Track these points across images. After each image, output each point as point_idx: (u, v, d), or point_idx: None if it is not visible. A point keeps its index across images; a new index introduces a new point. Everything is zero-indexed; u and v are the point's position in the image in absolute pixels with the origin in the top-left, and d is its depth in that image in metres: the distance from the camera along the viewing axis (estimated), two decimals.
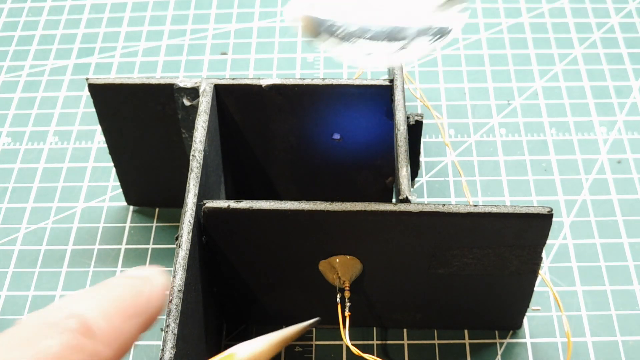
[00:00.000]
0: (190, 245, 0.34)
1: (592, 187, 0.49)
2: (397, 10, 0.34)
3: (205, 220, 0.36)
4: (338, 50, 0.34)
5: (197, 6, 0.61)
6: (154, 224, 0.48)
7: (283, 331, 0.32)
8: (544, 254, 0.45)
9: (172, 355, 0.31)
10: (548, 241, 0.46)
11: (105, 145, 0.45)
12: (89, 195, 0.50)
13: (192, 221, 0.35)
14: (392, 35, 0.34)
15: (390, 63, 0.35)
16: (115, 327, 0.24)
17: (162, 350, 0.32)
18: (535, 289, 0.40)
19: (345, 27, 0.34)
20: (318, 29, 0.34)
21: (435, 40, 0.34)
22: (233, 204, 0.35)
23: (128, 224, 0.48)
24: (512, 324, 0.42)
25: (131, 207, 0.49)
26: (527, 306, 0.41)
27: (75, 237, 0.48)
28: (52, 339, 0.23)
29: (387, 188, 0.45)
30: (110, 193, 0.50)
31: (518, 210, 0.35)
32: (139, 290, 0.26)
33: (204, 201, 0.36)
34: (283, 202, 0.35)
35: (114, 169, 0.47)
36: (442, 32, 0.34)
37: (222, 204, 0.35)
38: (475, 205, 0.35)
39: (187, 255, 0.34)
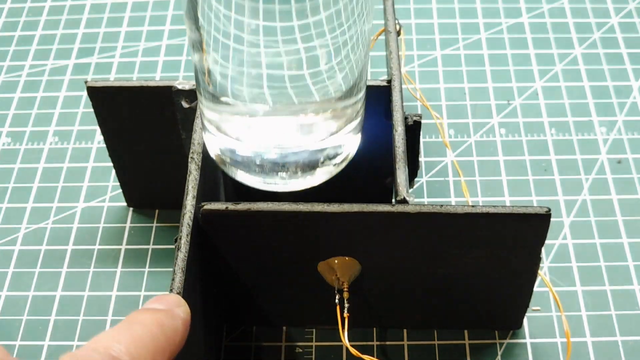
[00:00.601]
0: (190, 247, 0.34)
1: (592, 187, 0.49)
2: (304, 141, 0.35)
3: (204, 222, 0.36)
4: (254, 180, 0.36)
5: None
6: (154, 225, 0.48)
7: None
8: (543, 254, 0.45)
9: None
10: (548, 241, 0.46)
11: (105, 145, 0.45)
12: (89, 195, 0.50)
13: (190, 223, 0.35)
14: (302, 165, 0.36)
15: (302, 187, 0.37)
16: None
17: None
18: (535, 289, 0.40)
19: (259, 161, 0.35)
20: (234, 164, 0.36)
21: (339, 164, 0.37)
22: (231, 205, 0.35)
23: (128, 224, 0.48)
24: (512, 323, 0.42)
25: (131, 207, 0.49)
26: (527, 305, 0.41)
27: (75, 237, 0.48)
28: None
29: (386, 188, 0.45)
30: (110, 193, 0.50)
31: (516, 210, 0.35)
32: (165, 326, 0.28)
33: (202, 203, 0.36)
34: (281, 203, 0.35)
35: (114, 170, 0.47)
36: (342, 155, 0.37)
37: (220, 205, 0.35)
38: (473, 206, 0.35)
39: (186, 258, 0.34)
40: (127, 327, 0.27)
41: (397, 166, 0.37)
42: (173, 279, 0.33)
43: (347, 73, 0.33)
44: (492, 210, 0.35)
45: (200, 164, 0.37)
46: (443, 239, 0.36)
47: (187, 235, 0.34)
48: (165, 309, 0.30)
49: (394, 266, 0.38)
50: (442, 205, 0.35)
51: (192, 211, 0.35)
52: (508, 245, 0.36)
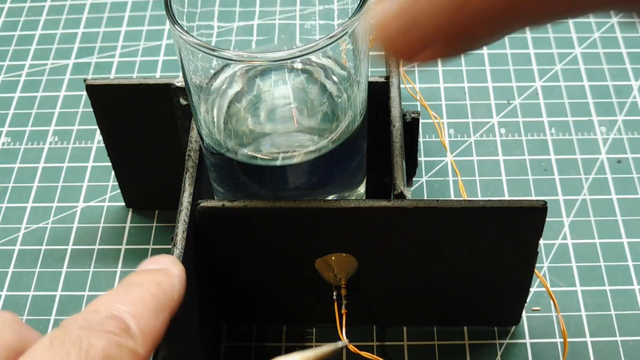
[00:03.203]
0: (185, 244, 0.34)
1: (591, 186, 0.49)
2: None
3: (200, 220, 0.36)
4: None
5: None
6: (154, 224, 0.48)
7: (316, 350, 0.33)
8: (543, 255, 0.45)
9: (166, 353, 0.31)
10: (548, 241, 0.46)
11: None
12: (89, 195, 0.50)
13: (187, 220, 0.35)
14: None
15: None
16: (148, 323, 0.26)
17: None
18: (535, 289, 0.40)
19: None
20: None
21: None
22: (227, 203, 0.35)
23: (128, 224, 0.48)
24: (510, 319, 0.42)
25: (130, 209, 0.49)
26: (525, 301, 0.41)
27: (75, 237, 0.48)
28: (96, 338, 0.24)
29: (385, 187, 0.45)
30: (110, 193, 0.50)
31: (512, 204, 0.35)
32: (162, 285, 0.28)
33: (199, 201, 0.36)
34: (277, 200, 0.35)
35: (113, 170, 0.47)
36: None
37: (217, 203, 0.35)
38: (469, 200, 0.35)
39: (182, 254, 0.34)
40: (125, 288, 0.28)
41: (394, 161, 0.37)
42: None
43: None
44: (488, 204, 0.35)
45: (197, 161, 0.37)
46: (440, 234, 0.36)
47: (183, 232, 0.35)
48: (160, 268, 0.30)
49: (391, 262, 0.38)
50: (438, 200, 0.35)
51: (189, 208, 0.35)
52: (505, 239, 0.36)
